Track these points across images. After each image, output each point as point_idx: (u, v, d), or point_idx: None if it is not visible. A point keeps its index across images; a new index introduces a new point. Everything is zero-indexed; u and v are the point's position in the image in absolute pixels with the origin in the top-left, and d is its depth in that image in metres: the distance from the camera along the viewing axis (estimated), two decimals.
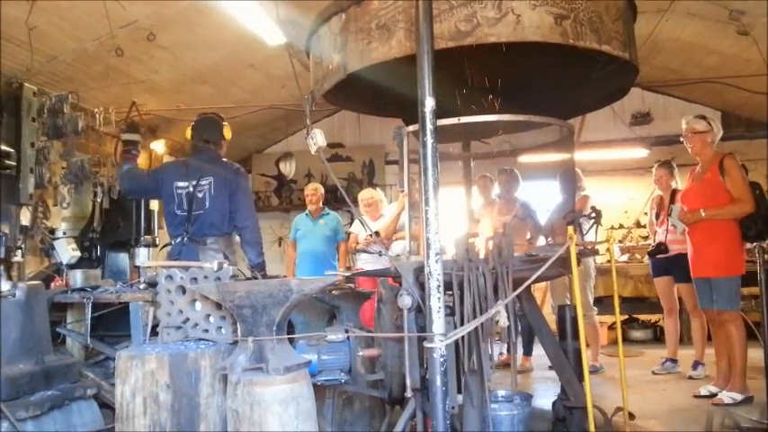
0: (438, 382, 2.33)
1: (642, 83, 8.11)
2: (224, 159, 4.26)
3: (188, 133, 4.37)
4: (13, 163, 3.56)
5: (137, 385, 2.40)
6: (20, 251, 4.06)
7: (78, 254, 4.62)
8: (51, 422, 3.16)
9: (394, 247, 5.49)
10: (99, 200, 4.68)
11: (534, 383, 5.34)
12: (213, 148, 4.22)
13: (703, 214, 4.39)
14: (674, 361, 5.55)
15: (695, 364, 5.25)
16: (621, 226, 8.37)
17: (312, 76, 3.53)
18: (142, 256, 4.69)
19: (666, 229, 5.40)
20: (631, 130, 8.58)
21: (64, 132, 4.21)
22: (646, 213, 6.45)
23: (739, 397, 4.24)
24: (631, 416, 3.48)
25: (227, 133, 4.29)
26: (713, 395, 4.39)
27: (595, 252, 3.87)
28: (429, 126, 2.39)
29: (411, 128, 3.16)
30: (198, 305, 2.68)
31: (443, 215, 2.41)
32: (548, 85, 3.66)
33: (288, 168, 9.47)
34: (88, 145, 5.95)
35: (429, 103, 2.38)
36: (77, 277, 4.36)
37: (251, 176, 9.53)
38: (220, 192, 4.02)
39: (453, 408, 2.64)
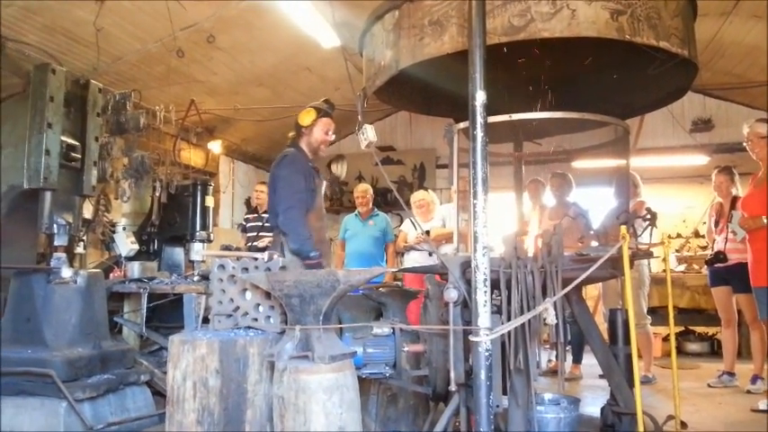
0: (482, 376, 2.31)
1: (704, 88, 7.87)
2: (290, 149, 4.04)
3: None
4: (78, 156, 3.73)
5: (187, 369, 2.46)
6: (82, 243, 4.23)
7: (137, 247, 4.82)
8: (106, 404, 3.30)
9: (442, 249, 5.48)
10: (158, 195, 4.87)
11: (583, 390, 5.22)
12: (295, 142, 4.07)
13: (765, 221, 4.23)
14: (732, 374, 5.33)
15: (754, 378, 5.03)
16: (679, 235, 8.11)
17: (364, 73, 3.57)
18: (197, 250, 4.85)
19: (726, 238, 5.21)
20: (691, 137, 8.32)
21: (126, 129, 4.39)
22: (704, 222, 6.23)
23: None
24: (683, 425, 3.37)
25: (302, 119, 4.01)
26: None
27: (650, 254, 3.76)
28: (479, 120, 2.38)
29: (462, 125, 3.16)
30: (248, 294, 2.73)
31: (493, 219, 2.39)
32: (603, 83, 3.60)
33: (339, 170, 9.55)
34: (148, 142, 6.16)
35: (480, 97, 2.38)
36: (135, 268, 4.55)
37: None
38: (270, 185, 4.01)
39: (498, 407, 2.61)
